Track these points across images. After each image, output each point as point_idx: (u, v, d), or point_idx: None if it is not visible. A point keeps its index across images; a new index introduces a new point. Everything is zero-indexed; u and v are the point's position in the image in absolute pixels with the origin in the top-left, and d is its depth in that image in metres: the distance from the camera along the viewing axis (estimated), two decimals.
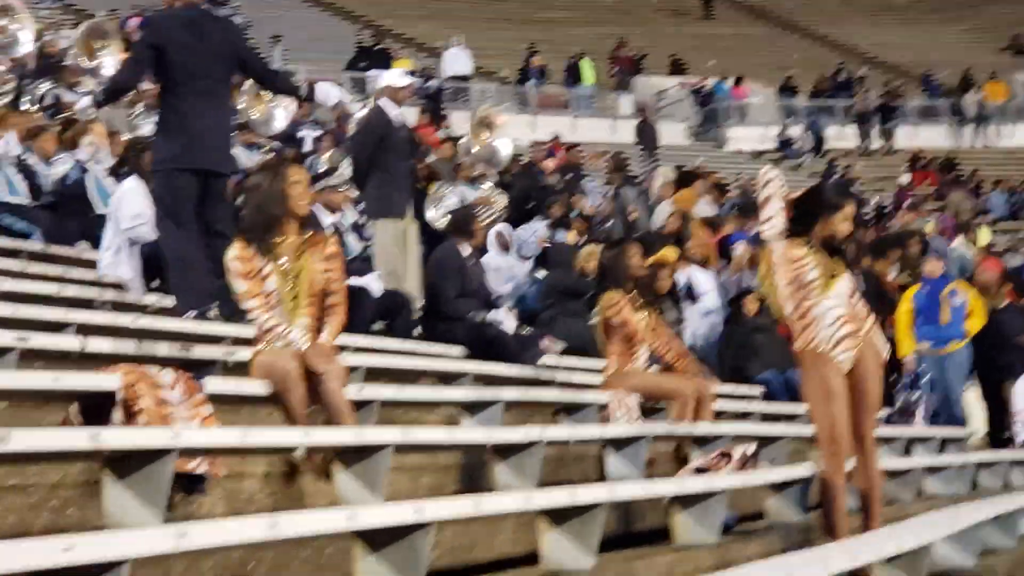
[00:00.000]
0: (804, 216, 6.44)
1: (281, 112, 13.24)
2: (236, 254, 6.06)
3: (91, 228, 10.64)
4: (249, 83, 13.52)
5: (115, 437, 4.26)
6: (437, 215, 13.35)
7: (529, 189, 16.29)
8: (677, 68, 37.73)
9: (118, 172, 11.02)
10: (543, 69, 34.31)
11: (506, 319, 10.40)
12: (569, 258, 12.15)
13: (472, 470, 7.07)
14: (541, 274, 13.10)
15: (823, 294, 6.36)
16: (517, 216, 15.04)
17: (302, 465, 5.58)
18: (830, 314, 6.32)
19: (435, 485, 6.66)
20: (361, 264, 10.37)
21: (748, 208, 15.86)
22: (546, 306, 11.80)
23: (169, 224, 8.08)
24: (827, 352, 6.23)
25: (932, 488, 10.17)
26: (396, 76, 11.05)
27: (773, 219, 6.39)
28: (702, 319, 12.78)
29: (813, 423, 6.40)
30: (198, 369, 6.51)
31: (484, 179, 14.30)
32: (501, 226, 13.43)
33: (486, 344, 9.76)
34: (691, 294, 12.77)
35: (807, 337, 6.28)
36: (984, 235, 19.30)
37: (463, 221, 10.53)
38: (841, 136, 35.20)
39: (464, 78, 32.13)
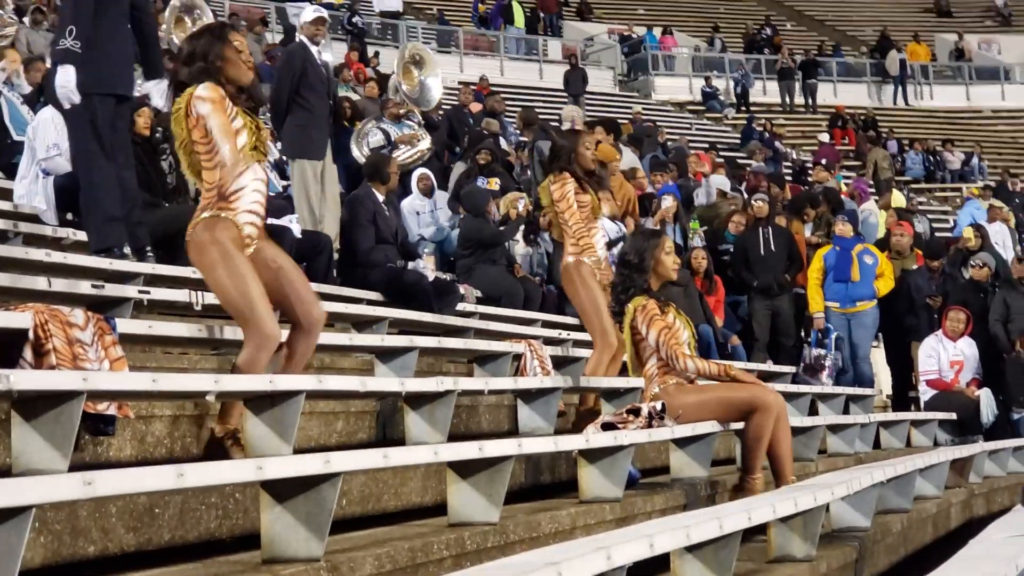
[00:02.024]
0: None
1: None
2: (208, 84, 5.54)
3: (6, 156, 10.51)
4: (169, 8, 13.42)
5: (24, 379, 4.25)
6: (362, 153, 13.32)
7: (456, 131, 16.28)
8: (600, 14, 37.76)
9: (36, 100, 10.88)
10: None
11: (426, 266, 10.44)
12: (486, 204, 12.12)
13: (385, 417, 7.13)
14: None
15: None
16: (441, 158, 15.05)
17: (219, 433, 5.55)
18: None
19: (348, 431, 6.72)
20: (283, 202, 10.32)
21: (669, 162, 16.00)
22: (463, 254, 11.82)
23: (91, 154, 7.81)
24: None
25: (835, 446, 10.38)
26: (308, 12, 10.91)
27: None
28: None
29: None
30: (110, 308, 6.51)
31: (411, 117, 14.26)
32: (424, 170, 13.43)
33: (403, 291, 9.79)
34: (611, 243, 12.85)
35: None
36: (898, 198, 19.56)
37: (377, 165, 10.46)
38: (764, 91, 35.42)
39: (394, 15, 31.89)
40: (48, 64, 8.86)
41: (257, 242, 5.67)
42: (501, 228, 11.97)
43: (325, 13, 11.21)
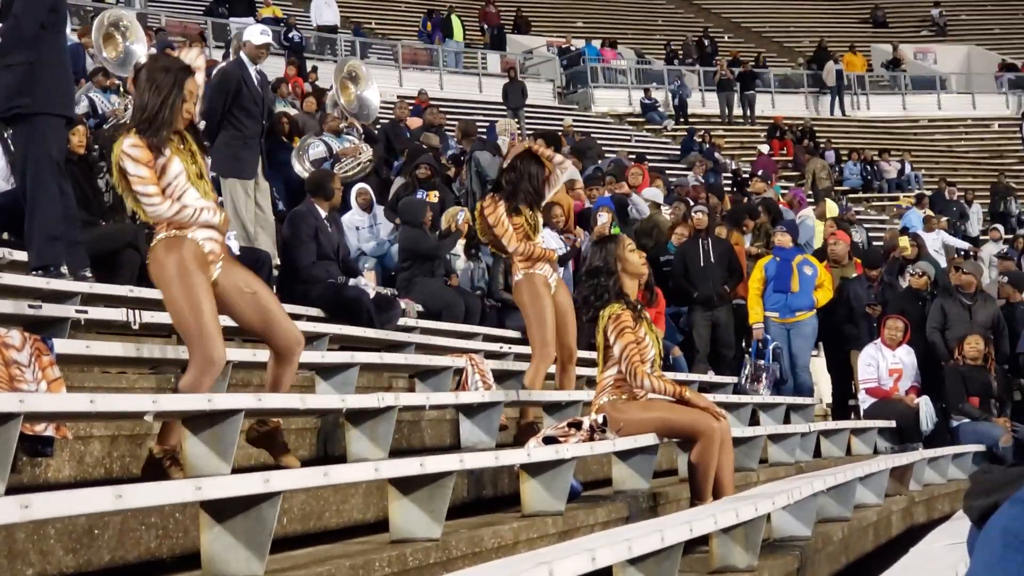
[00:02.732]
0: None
1: (137, 50, 13.05)
2: (134, 142, 5.60)
3: None
4: (96, 25, 13.30)
5: None
6: (304, 167, 13.29)
7: (393, 145, 16.26)
8: (538, 28, 37.88)
9: None
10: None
11: (367, 282, 10.42)
12: (422, 215, 12.06)
13: (326, 433, 7.12)
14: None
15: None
16: (380, 173, 15.01)
17: (158, 454, 5.54)
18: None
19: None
20: None
21: (600, 177, 16.05)
22: (403, 267, 11.80)
23: (41, 173, 7.70)
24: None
25: (776, 456, 10.44)
26: (255, 33, 10.88)
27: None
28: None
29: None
30: (47, 328, 6.46)
31: (350, 131, 14.24)
32: (363, 185, 13.40)
33: (344, 306, 9.77)
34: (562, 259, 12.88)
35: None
36: (831, 207, 19.75)
37: (320, 181, 10.42)
38: (703, 103, 35.65)
39: (331, 29, 31.84)
40: None
41: (223, 262, 5.66)
42: (440, 241, 11.96)
43: (270, 38, 11.14)
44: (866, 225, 23.09)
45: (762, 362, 13.16)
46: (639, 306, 7.44)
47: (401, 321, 10.39)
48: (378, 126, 16.54)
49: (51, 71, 7.76)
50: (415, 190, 13.63)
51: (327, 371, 7.73)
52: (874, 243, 19.80)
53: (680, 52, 37.59)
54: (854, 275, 14.57)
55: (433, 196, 13.84)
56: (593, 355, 9.35)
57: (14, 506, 3.47)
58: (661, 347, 7.50)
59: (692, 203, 15.78)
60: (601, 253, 7.45)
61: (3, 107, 7.76)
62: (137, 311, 7.13)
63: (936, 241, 20.84)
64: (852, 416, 13.76)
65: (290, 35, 27.42)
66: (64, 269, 7.81)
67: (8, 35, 7.79)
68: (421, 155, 14.87)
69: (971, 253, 21.66)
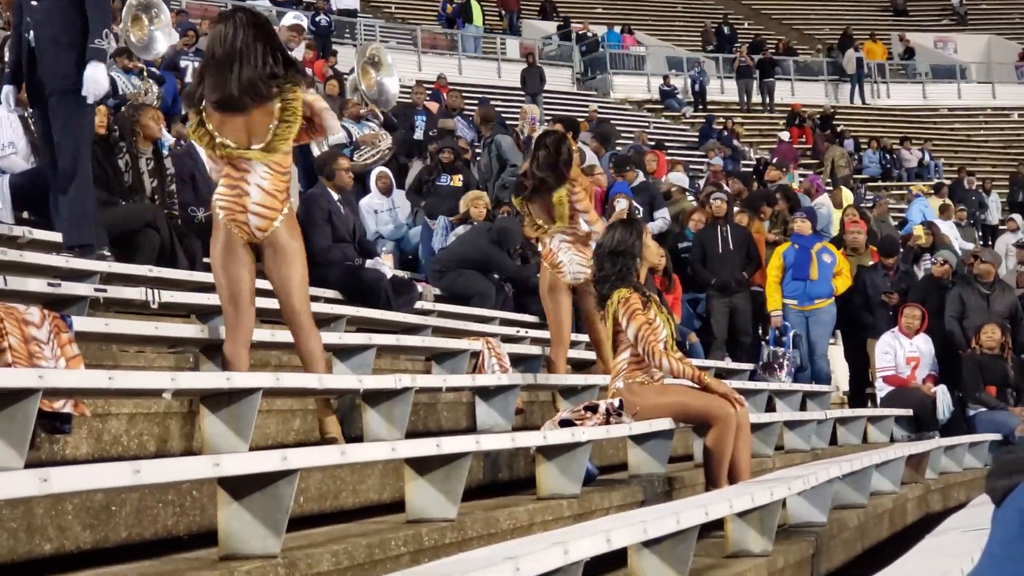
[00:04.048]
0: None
1: (161, 37, 13.09)
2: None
3: None
4: (126, 6, 13.35)
5: None
6: (322, 151, 13.29)
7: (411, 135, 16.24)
8: (559, 14, 37.82)
9: None
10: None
11: (384, 263, 10.43)
12: (516, 243, 11.97)
13: (343, 414, 7.13)
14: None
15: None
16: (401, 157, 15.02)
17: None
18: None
19: (305, 429, 6.70)
20: None
21: (627, 160, 16.01)
22: (451, 268, 11.73)
23: (86, 153, 7.90)
24: None
25: (792, 443, 10.44)
26: (289, 18, 10.91)
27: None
28: None
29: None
30: (66, 306, 6.48)
31: (371, 117, 14.24)
32: (383, 169, 13.42)
33: (361, 289, 9.78)
34: None
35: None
36: (847, 196, 19.69)
37: (324, 162, 10.42)
38: (722, 90, 35.57)
39: (351, 13, 31.83)
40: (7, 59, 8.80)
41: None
42: (523, 265, 11.93)
43: (304, 21, 11.17)
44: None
45: (781, 349, 13.14)
46: (647, 292, 7.44)
47: (418, 304, 10.39)
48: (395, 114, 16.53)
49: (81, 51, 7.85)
50: (438, 174, 13.64)
51: (344, 352, 7.74)
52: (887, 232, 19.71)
53: (700, 38, 37.50)
54: (871, 263, 14.54)
55: (457, 180, 13.84)
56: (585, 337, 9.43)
57: (33, 480, 3.49)
58: (673, 328, 7.49)
59: (715, 188, 15.73)
60: (630, 237, 7.44)
61: (68, 81, 7.83)
62: (156, 290, 7.15)
63: (950, 231, 20.76)
64: (869, 404, 13.74)
65: (317, 19, 27.38)
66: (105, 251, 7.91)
67: (96, 9, 7.86)
68: (443, 139, 14.86)
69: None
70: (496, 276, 11.84)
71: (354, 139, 13.71)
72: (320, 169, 10.32)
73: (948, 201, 23.12)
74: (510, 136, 14.85)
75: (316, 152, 13.24)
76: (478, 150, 15.88)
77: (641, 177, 15.70)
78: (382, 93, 14.63)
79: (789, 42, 38.69)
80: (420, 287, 10.61)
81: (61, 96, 7.86)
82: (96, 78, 7.77)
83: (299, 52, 22.83)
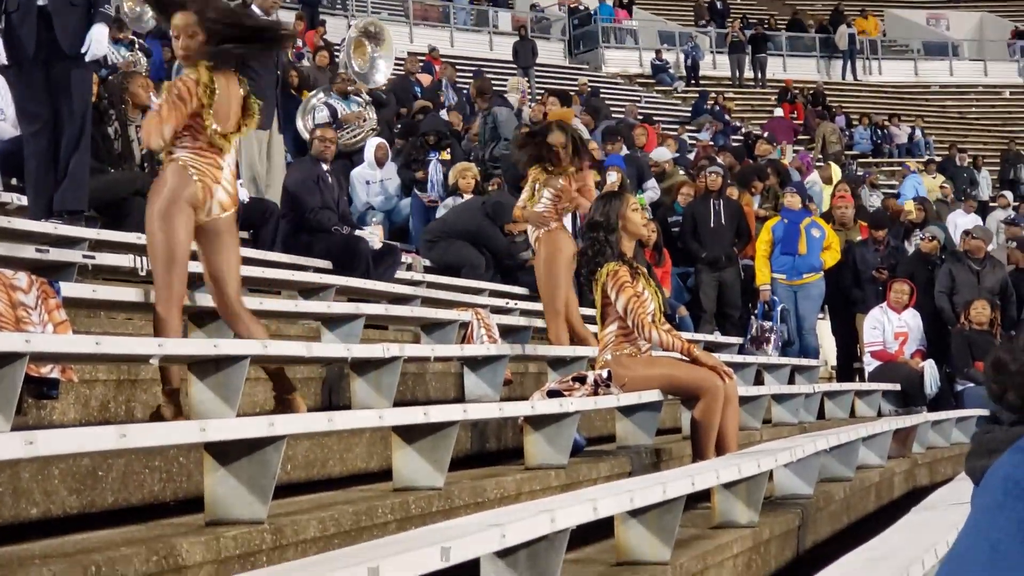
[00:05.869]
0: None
1: (383, 66, 13.21)
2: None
3: None
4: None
5: None
6: (306, 127, 13.26)
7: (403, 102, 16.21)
8: None
9: None
10: None
11: (374, 233, 10.42)
12: (508, 219, 11.91)
13: (331, 383, 7.13)
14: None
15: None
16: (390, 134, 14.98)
17: (164, 409, 5.55)
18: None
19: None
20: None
21: (614, 132, 15.99)
22: (441, 238, 11.71)
23: (89, 118, 8.01)
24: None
25: (780, 416, 10.46)
26: None
27: None
28: None
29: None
30: (54, 272, 6.46)
31: (359, 94, 14.18)
32: (382, 140, 13.42)
33: (348, 258, 9.77)
34: None
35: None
36: (835, 171, 19.68)
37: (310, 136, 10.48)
38: (715, 65, 35.51)
39: None
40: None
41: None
42: (513, 242, 11.92)
43: None
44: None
45: (769, 323, 13.16)
46: (635, 265, 7.43)
47: (407, 275, 10.38)
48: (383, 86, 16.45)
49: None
50: (428, 150, 13.63)
51: (333, 322, 7.74)
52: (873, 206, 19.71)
53: (693, 12, 37.39)
54: (859, 238, 14.55)
55: (446, 154, 13.82)
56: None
57: (19, 442, 3.48)
58: (660, 301, 7.49)
59: (709, 162, 15.70)
60: (604, 208, 7.43)
61: (80, 42, 7.87)
62: (144, 258, 7.12)
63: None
64: (856, 379, 13.77)
65: None
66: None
67: None
68: (428, 126, 14.78)
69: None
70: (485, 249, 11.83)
71: (339, 116, 13.65)
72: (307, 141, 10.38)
73: (941, 176, 23.12)
74: (507, 108, 14.81)
75: (300, 127, 13.22)
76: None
77: (625, 150, 15.70)
78: (372, 70, 14.53)
79: (781, 18, 38.59)
80: (409, 257, 10.60)
81: (73, 60, 7.88)
82: (99, 38, 7.91)
83: (286, 21, 22.73)
